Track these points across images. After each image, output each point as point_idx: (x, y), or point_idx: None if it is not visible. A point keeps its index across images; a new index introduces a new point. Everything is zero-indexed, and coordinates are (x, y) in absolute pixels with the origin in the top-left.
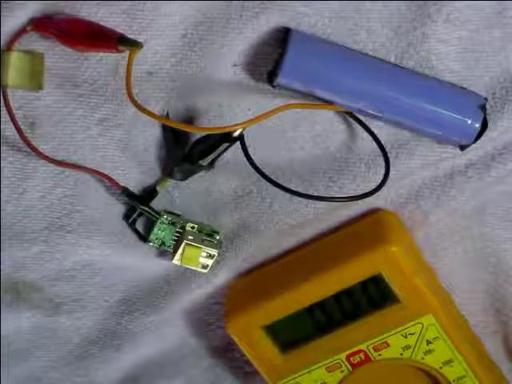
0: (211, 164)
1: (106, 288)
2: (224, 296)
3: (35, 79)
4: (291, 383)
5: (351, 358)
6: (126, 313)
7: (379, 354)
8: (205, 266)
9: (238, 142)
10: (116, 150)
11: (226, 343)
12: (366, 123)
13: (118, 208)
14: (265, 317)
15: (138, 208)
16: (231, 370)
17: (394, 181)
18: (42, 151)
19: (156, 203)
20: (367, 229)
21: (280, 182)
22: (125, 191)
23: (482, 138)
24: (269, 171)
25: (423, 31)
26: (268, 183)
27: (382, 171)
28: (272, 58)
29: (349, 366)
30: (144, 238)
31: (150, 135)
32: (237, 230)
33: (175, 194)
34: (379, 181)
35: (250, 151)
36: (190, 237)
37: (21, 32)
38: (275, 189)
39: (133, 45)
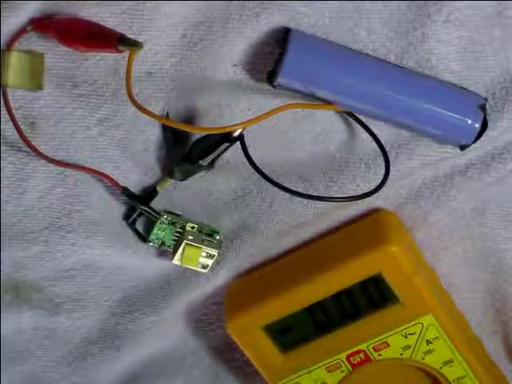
0: (211, 164)
1: (106, 288)
2: (224, 296)
3: (35, 79)
4: (291, 383)
5: (351, 358)
6: (126, 313)
7: (379, 354)
8: (205, 266)
9: (238, 142)
10: (116, 150)
11: (226, 343)
12: (366, 123)
13: (118, 208)
14: (265, 317)
15: (138, 208)
16: (231, 369)
17: (394, 181)
18: (42, 151)
19: (156, 203)
20: (367, 229)
21: (280, 181)
22: (125, 191)
23: (482, 138)
24: (269, 171)
25: (423, 31)
26: (268, 183)
27: (382, 171)
28: (272, 57)
29: (349, 366)
30: (144, 238)
31: (150, 135)
32: (237, 230)
33: (175, 194)
34: (379, 181)
35: (250, 151)
36: (190, 237)
37: (21, 32)
38: (275, 189)
39: (133, 45)
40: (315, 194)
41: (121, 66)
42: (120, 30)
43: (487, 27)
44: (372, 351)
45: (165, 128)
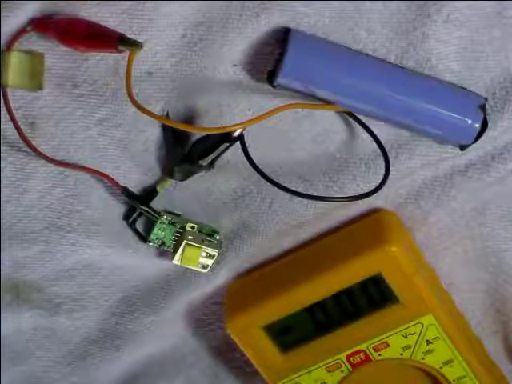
0: (211, 164)
1: (106, 288)
2: (224, 296)
3: (35, 79)
4: (291, 383)
5: (351, 358)
6: (126, 313)
7: (379, 354)
8: (205, 266)
9: (238, 142)
10: (116, 150)
11: (226, 343)
12: (366, 123)
13: (118, 208)
14: (265, 317)
15: (138, 208)
16: (231, 369)
17: (394, 181)
18: (42, 151)
19: (156, 203)
20: (367, 229)
21: (280, 181)
22: (125, 191)
23: (482, 138)
24: (269, 171)
25: (423, 31)
26: (268, 183)
27: (382, 171)
28: (272, 57)
29: (349, 366)
30: (144, 238)
31: (150, 135)
32: (237, 230)
33: (175, 194)
34: (379, 181)
35: (250, 151)
36: (190, 237)
37: (21, 32)
38: (275, 189)
39: (133, 45)
40: (315, 194)
41: (121, 66)
42: (120, 29)
43: (487, 27)
44: (372, 351)
45: (165, 128)
